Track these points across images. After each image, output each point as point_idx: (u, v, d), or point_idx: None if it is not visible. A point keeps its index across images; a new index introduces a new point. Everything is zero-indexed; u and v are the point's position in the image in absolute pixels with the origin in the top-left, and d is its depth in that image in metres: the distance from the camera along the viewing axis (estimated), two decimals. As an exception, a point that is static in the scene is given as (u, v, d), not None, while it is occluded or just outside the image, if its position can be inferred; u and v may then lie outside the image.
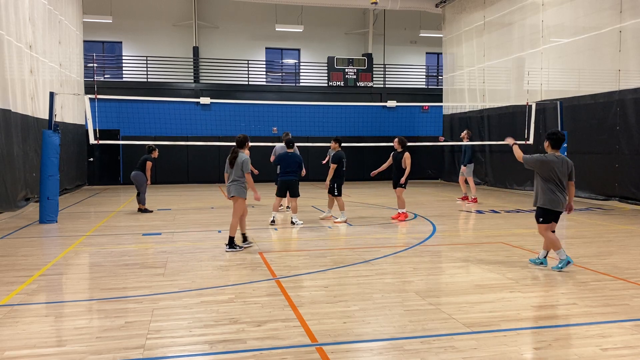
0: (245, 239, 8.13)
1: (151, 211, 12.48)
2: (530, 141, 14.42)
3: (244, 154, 7.90)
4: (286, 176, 10.52)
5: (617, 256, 7.42)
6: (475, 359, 3.87)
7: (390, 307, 5.08)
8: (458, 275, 6.41)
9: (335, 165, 10.76)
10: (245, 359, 3.88)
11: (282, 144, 12.81)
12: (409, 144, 11.36)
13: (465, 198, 14.77)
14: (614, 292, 5.59)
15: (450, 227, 10.14)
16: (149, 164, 12.23)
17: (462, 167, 14.56)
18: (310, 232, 9.69)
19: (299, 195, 10.60)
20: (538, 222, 6.68)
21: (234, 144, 8.06)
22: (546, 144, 6.66)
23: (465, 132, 14.93)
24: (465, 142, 14.66)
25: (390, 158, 11.19)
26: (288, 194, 10.57)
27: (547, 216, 6.58)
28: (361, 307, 5.06)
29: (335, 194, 10.79)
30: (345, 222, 10.71)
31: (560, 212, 6.58)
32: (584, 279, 6.16)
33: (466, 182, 14.65)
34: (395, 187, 11.06)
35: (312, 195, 16.66)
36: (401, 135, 11.49)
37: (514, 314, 4.89)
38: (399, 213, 11.12)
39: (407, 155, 10.90)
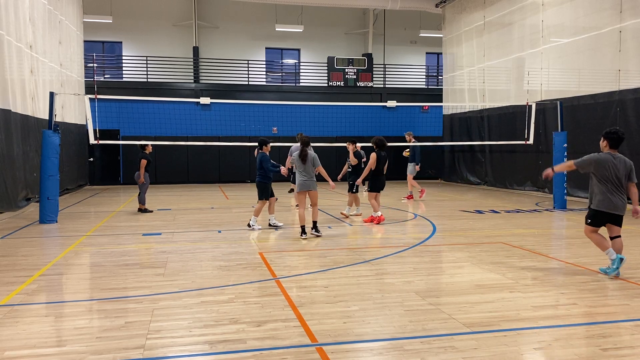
0: (315, 227, 9.08)
1: (151, 211, 12.48)
2: (530, 141, 14.42)
3: (313, 152, 9.13)
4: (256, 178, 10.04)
5: (617, 256, 7.40)
6: (475, 359, 3.87)
7: (390, 307, 5.08)
8: (458, 275, 6.41)
9: (365, 159, 11.62)
10: (245, 359, 3.88)
11: (298, 144, 13.02)
12: (407, 144, 11.47)
13: (410, 197, 14.95)
14: (614, 292, 5.59)
15: (450, 227, 10.14)
16: (143, 161, 12.19)
17: (410, 167, 15.10)
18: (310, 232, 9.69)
19: (263, 198, 9.89)
20: (586, 222, 6.36)
21: (302, 144, 9.16)
22: (604, 143, 6.23)
23: (407, 133, 15.45)
24: (410, 143, 15.06)
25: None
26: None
27: (596, 218, 6.25)
28: (361, 307, 5.06)
29: (354, 191, 11.48)
30: (359, 214, 11.56)
31: (620, 215, 6.23)
32: (584, 279, 6.16)
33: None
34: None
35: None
36: (379, 136, 10.98)
37: (514, 314, 4.89)
38: (371, 216, 10.71)
39: (372, 155, 10.49)
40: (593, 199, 6.29)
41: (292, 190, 18.06)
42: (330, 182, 9.32)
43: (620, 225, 6.32)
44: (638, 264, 6.97)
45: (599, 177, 6.18)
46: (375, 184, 10.57)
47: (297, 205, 12.30)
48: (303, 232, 8.89)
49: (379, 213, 10.60)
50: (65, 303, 5.33)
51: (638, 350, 4.03)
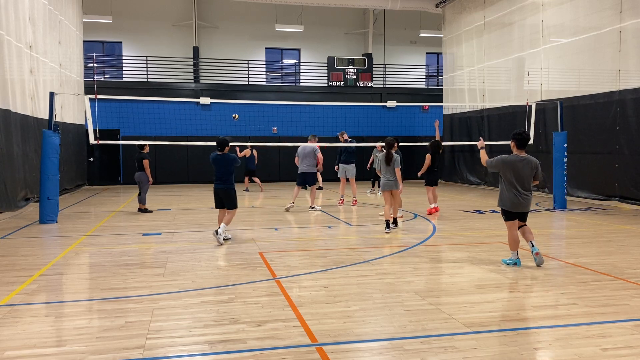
0: (395, 222, 9.94)
1: (151, 211, 12.47)
2: (530, 141, 14.37)
3: (396, 154, 9.71)
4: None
5: (617, 256, 7.42)
6: (475, 359, 3.87)
7: (390, 307, 5.08)
8: (458, 275, 6.41)
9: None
10: (245, 359, 3.88)
11: (306, 144, 13.10)
12: (406, 144, 11.93)
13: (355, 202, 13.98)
14: (614, 292, 5.59)
15: (450, 227, 10.14)
16: (145, 162, 12.21)
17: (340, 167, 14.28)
18: (310, 232, 9.69)
19: (235, 207, 8.83)
20: (503, 219, 6.90)
21: (384, 145, 9.72)
22: (512, 143, 6.75)
23: (340, 133, 14.76)
24: (343, 144, 14.25)
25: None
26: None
27: (507, 215, 6.78)
28: (361, 307, 5.06)
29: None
30: (401, 217, 11.36)
31: (523, 213, 6.77)
32: (584, 279, 6.16)
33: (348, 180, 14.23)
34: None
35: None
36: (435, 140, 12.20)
37: (514, 314, 4.89)
38: (429, 208, 12.37)
39: (427, 155, 12.05)
40: (500, 198, 6.82)
41: (320, 187, 18.05)
42: (401, 185, 9.87)
43: (524, 220, 6.87)
44: (638, 263, 6.97)
45: (504, 177, 6.65)
46: (431, 179, 11.98)
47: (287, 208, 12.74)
48: (387, 226, 9.50)
49: (436, 204, 12.03)
50: (65, 303, 5.33)
51: (638, 350, 4.03)
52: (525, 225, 6.91)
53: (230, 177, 8.72)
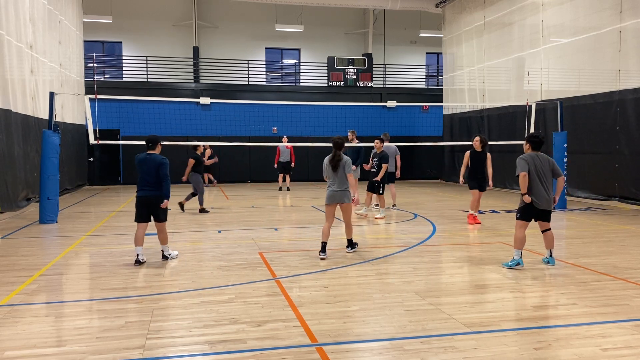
0: (351, 244, 7.78)
1: (208, 211, 12.37)
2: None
3: (346, 156, 7.59)
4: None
5: (617, 256, 7.42)
6: (475, 359, 3.87)
7: (390, 307, 5.09)
8: (458, 275, 6.41)
9: (387, 166, 11.29)
10: (245, 359, 3.88)
11: (387, 144, 12.51)
12: (406, 144, 11.40)
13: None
14: (614, 292, 5.59)
15: (450, 227, 10.14)
16: (190, 161, 12.20)
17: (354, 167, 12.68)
18: (310, 232, 9.69)
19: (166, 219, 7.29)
20: (516, 217, 6.86)
21: (331, 145, 7.70)
22: (527, 146, 6.88)
23: (350, 132, 13.35)
24: (354, 144, 13.05)
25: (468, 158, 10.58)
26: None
27: (523, 213, 6.76)
28: (361, 307, 5.07)
29: (380, 192, 11.35)
30: (383, 217, 11.29)
31: (544, 210, 6.68)
32: (584, 279, 6.16)
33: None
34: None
35: (312, 194, 16.66)
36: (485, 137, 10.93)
37: (514, 314, 4.89)
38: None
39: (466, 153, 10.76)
40: (520, 199, 6.79)
41: (281, 189, 18.07)
42: (356, 194, 7.72)
43: (548, 220, 6.78)
44: (638, 263, 6.97)
45: (530, 174, 6.63)
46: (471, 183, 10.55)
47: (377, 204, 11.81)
48: (323, 250, 7.32)
49: (475, 213, 10.54)
50: (65, 303, 5.33)
51: (638, 350, 4.03)
52: (550, 230, 6.85)
53: (162, 182, 7.11)
